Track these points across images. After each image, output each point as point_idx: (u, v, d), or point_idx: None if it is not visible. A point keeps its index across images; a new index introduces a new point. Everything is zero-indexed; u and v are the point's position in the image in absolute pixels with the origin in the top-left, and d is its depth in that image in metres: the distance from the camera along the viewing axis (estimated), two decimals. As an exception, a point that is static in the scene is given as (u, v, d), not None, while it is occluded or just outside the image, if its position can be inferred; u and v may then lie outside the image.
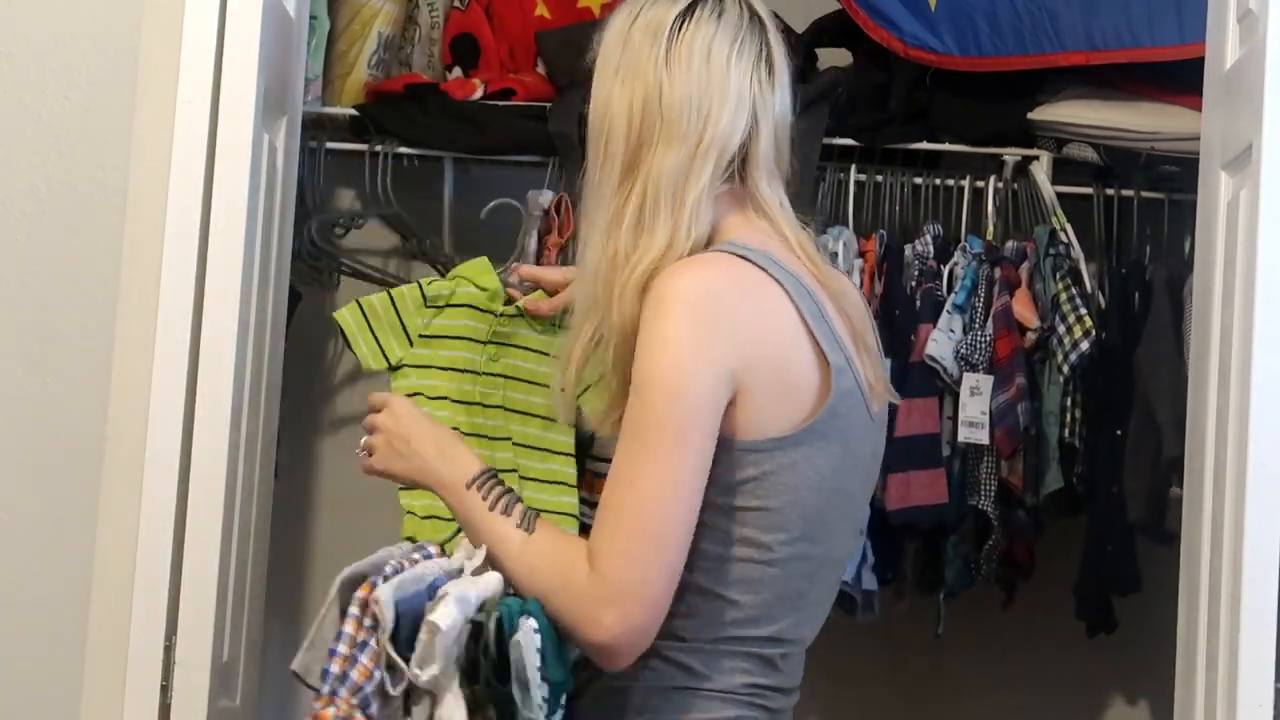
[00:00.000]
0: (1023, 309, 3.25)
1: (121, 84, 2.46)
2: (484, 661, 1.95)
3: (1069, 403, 3.25)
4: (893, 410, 3.20)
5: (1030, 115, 3.34)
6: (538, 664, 1.94)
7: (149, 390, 2.42)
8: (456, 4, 3.60)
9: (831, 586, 2.14)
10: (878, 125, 3.40)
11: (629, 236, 2.04)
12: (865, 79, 3.44)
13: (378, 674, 1.97)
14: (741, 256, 2.03)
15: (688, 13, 2.08)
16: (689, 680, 2.03)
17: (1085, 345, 3.19)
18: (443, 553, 2.11)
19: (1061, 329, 3.23)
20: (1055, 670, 3.63)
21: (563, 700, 2.00)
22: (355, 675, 1.97)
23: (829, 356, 2.02)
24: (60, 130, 2.46)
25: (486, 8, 3.58)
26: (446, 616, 1.94)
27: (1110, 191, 3.41)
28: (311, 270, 3.47)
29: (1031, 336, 3.25)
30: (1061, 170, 3.40)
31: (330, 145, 3.45)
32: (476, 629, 1.97)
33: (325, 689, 1.97)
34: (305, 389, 3.58)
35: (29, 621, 2.43)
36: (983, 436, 3.18)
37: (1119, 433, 3.22)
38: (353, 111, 3.45)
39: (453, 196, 3.54)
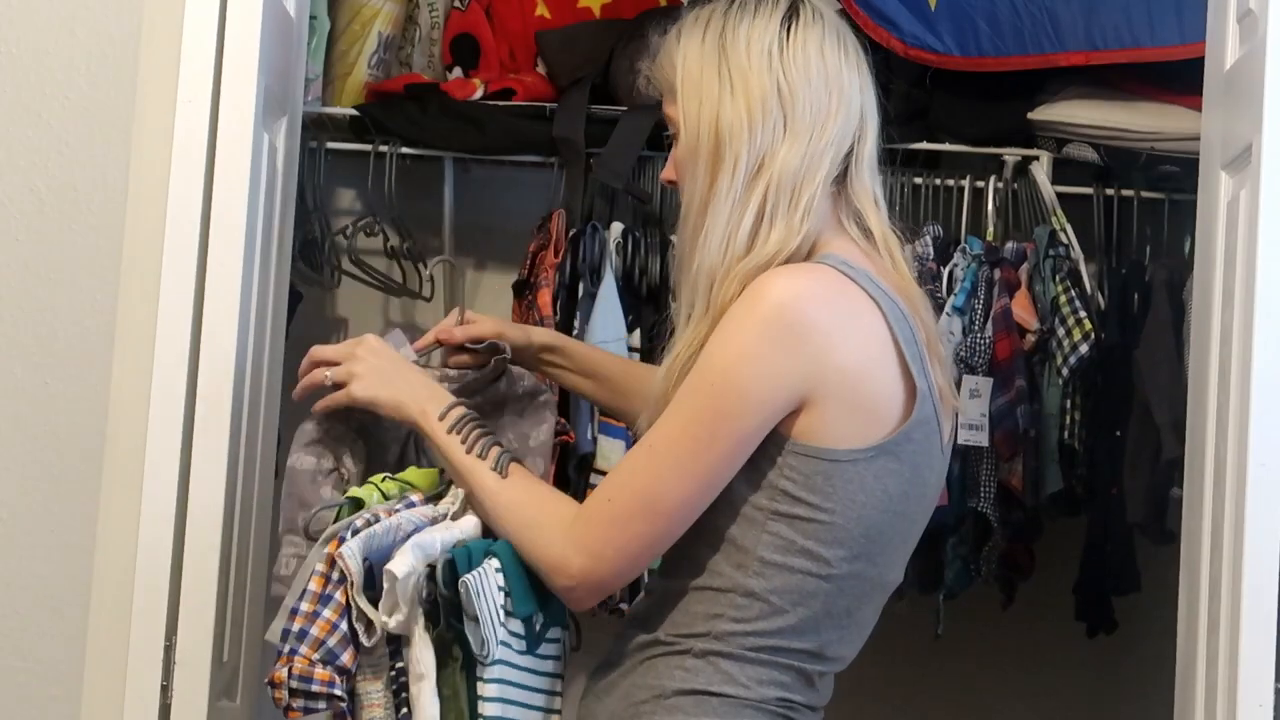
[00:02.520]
0: (1022, 311, 3.25)
1: (121, 84, 2.46)
2: (441, 602, 2.03)
3: (1068, 404, 3.25)
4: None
5: (1030, 115, 3.34)
6: (500, 601, 2.03)
7: (149, 390, 2.42)
8: (456, 4, 3.60)
9: (877, 609, 2.13)
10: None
11: (746, 237, 2.05)
12: (865, 79, 3.44)
13: (342, 626, 2.04)
14: (841, 272, 2.04)
15: (792, 17, 2.10)
16: (724, 685, 2.02)
17: (1085, 348, 3.19)
18: (426, 501, 2.17)
19: (1061, 331, 3.23)
20: (1055, 670, 3.63)
21: (551, 634, 2.11)
22: (315, 630, 2.03)
23: (916, 381, 2.04)
24: (60, 130, 2.46)
25: (486, 8, 3.58)
26: (403, 565, 2.02)
27: (1110, 191, 3.41)
28: (312, 270, 3.47)
29: (1031, 338, 3.25)
30: (1061, 170, 3.40)
31: (330, 145, 3.45)
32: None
33: (285, 649, 2.04)
34: (305, 389, 3.57)
35: (29, 621, 2.43)
36: (982, 439, 3.18)
37: (1119, 434, 3.22)
38: (353, 111, 3.45)
39: (453, 196, 3.55)
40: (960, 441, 3.19)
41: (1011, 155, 3.39)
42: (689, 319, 2.07)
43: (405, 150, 3.42)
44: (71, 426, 2.44)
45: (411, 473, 2.24)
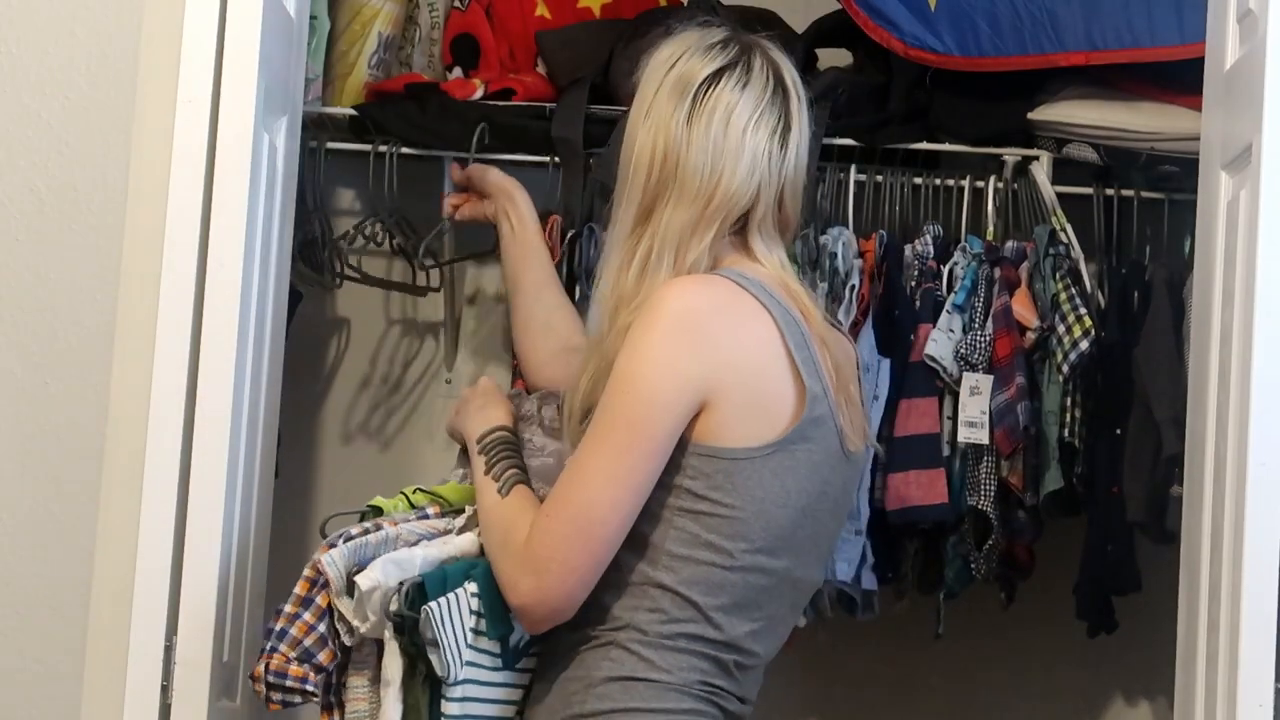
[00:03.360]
0: (1022, 309, 3.24)
1: (121, 84, 2.46)
2: (404, 620, 2.14)
3: (1069, 402, 3.24)
4: (892, 410, 3.22)
5: (1030, 115, 3.34)
6: (469, 625, 2.14)
7: (149, 390, 2.42)
8: (456, 4, 3.60)
9: (791, 608, 2.24)
10: (878, 125, 3.40)
11: (634, 281, 2.17)
12: (865, 79, 3.44)
13: (320, 628, 2.20)
14: (734, 281, 2.15)
15: (714, 78, 2.19)
16: (648, 672, 2.12)
17: (1085, 345, 3.19)
18: (444, 515, 2.30)
19: (1061, 329, 3.22)
20: (1056, 670, 3.63)
21: (525, 647, 2.21)
22: (294, 631, 2.21)
23: (806, 381, 2.14)
24: (60, 130, 2.46)
25: (486, 8, 3.58)
26: (369, 579, 2.15)
27: (1110, 191, 3.41)
28: (312, 270, 3.46)
29: (1031, 336, 3.25)
30: (1061, 170, 3.39)
31: (330, 145, 3.45)
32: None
33: (267, 646, 2.22)
34: (306, 389, 3.58)
35: (29, 621, 2.43)
36: (982, 436, 3.18)
37: (1119, 432, 3.22)
38: (352, 111, 3.44)
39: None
40: (960, 439, 3.19)
41: (1011, 155, 3.39)
42: (589, 345, 2.24)
43: (405, 150, 3.41)
44: (71, 426, 2.44)
45: (449, 488, 2.34)
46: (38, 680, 2.42)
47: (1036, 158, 3.38)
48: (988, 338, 3.21)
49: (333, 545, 2.19)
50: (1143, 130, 3.27)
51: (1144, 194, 3.39)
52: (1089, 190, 3.41)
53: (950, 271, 3.28)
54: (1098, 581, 3.32)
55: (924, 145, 3.41)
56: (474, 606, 2.14)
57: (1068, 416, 3.24)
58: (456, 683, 2.13)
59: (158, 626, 2.40)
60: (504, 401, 2.37)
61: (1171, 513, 3.03)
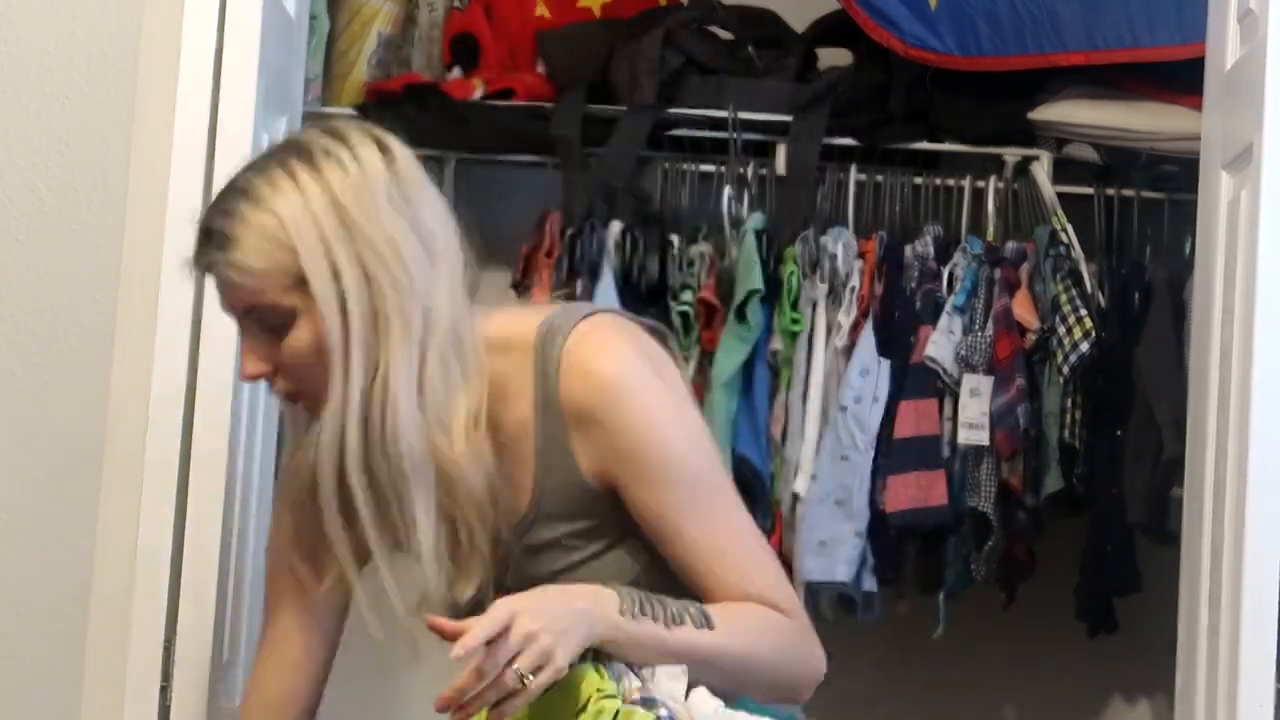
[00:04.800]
0: (1023, 310, 3.25)
1: (121, 84, 2.46)
2: None
3: (1069, 404, 3.25)
4: (892, 412, 3.22)
5: (1030, 115, 3.35)
6: None
7: (149, 390, 2.42)
8: (456, 4, 3.60)
9: None
10: (878, 125, 3.40)
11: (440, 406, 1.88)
12: (865, 79, 3.44)
13: None
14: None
15: (385, 152, 1.97)
16: None
17: (1085, 346, 3.19)
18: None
19: (1061, 330, 3.22)
20: (1056, 671, 3.63)
21: None
22: None
23: None
24: (60, 130, 2.46)
25: (486, 7, 3.58)
26: None
27: (1110, 191, 3.41)
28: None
29: (1031, 337, 3.25)
30: (1061, 170, 3.40)
31: (330, 145, 3.45)
32: None
33: None
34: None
35: (29, 621, 2.42)
36: (983, 438, 3.18)
37: (1119, 433, 3.22)
38: (352, 111, 3.44)
39: (452, 196, 3.54)
40: (961, 441, 3.19)
41: (1011, 155, 3.39)
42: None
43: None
44: (71, 426, 2.44)
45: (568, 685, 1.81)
46: (38, 680, 2.42)
47: (1037, 158, 3.38)
48: (988, 339, 3.21)
49: None
50: (1143, 130, 3.28)
51: (1144, 194, 3.40)
52: (1089, 190, 3.41)
53: (950, 273, 3.28)
54: (1098, 581, 3.33)
55: (924, 145, 3.42)
56: None
57: (1068, 418, 3.25)
58: None
59: (158, 626, 2.40)
60: (568, 588, 1.86)
61: (1172, 513, 3.03)
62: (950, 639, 3.37)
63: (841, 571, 3.18)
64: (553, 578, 1.88)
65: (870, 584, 3.22)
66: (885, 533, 3.22)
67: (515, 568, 1.91)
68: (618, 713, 1.76)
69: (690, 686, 1.83)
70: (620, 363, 1.88)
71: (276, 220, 1.83)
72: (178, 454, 2.42)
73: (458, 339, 1.90)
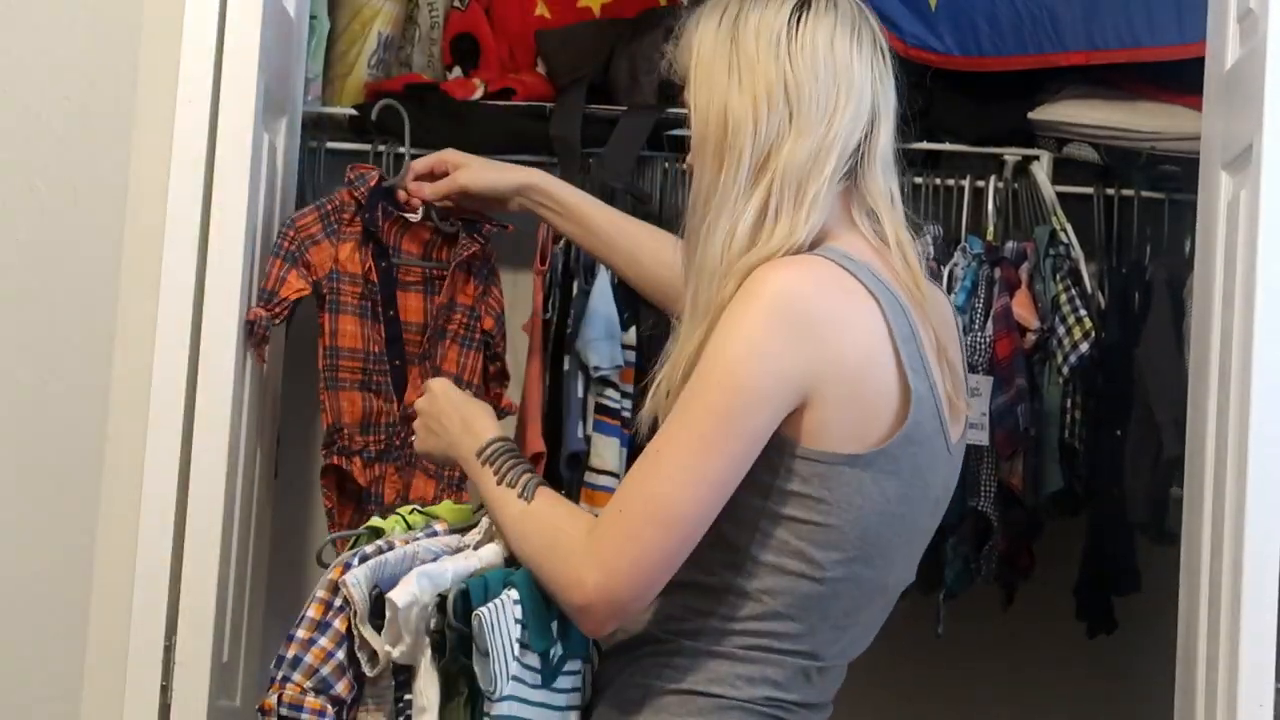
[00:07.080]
0: (1022, 310, 3.24)
1: (121, 84, 2.46)
2: (448, 634, 1.97)
3: (1069, 404, 3.25)
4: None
5: (1030, 115, 3.34)
6: (516, 635, 1.96)
7: (149, 390, 2.42)
8: (456, 4, 3.60)
9: (881, 612, 2.10)
10: (877, 125, 3.40)
11: (748, 232, 1.99)
12: (865, 79, 3.44)
13: (338, 655, 1.99)
14: (841, 265, 1.99)
15: (803, 7, 2.04)
16: (710, 685, 1.99)
17: (1085, 347, 3.19)
18: (452, 532, 2.12)
19: (1061, 330, 3.22)
20: (1056, 671, 3.63)
21: (570, 665, 2.04)
22: (310, 658, 1.99)
23: (911, 382, 1.98)
24: (60, 130, 2.46)
25: (486, 8, 3.58)
26: (404, 594, 1.96)
27: (1110, 191, 3.41)
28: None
29: (1031, 337, 3.25)
30: (1062, 170, 3.39)
31: (330, 145, 3.45)
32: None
33: (278, 675, 1.99)
34: (306, 389, 3.57)
35: (29, 621, 2.43)
36: (983, 438, 3.18)
37: (1119, 433, 3.22)
38: (353, 111, 3.45)
39: (452, 196, 3.53)
40: (961, 441, 3.19)
41: (1011, 155, 3.39)
42: (690, 315, 2.02)
43: (405, 150, 3.41)
44: (71, 426, 2.44)
45: (443, 507, 2.20)
46: (38, 680, 2.42)
47: (1037, 157, 3.38)
48: (988, 339, 3.21)
49: (348, 566, 2.01)
50: (1143, 130, 3.27)
51: (1144, 194, 3.39)
52: (1089, 190, 3.41)
53: (950, 272, 3.28)
54: (1098, 581, 3.33)
55: (924, 145, 3.41)
56: (517, 615, 1.97)
57: (1068, 418, 3.24)
58: (502, 698, 1.96)
59: (157, 626, 2.41)
60: (481, 408, 2.20)
61: (1171, 513, 3.03)
62: (950, 639, 3.37)
63: (841, 571, 3.18)
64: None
65: (870, 584, 3.22)
66: (885, 532, 3.22)
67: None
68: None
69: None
70: (772, 282, 1.94)
71: (695, 28, 2.10)
72: (178, 454, 2.42)
73: (792, 198, 2.03)
